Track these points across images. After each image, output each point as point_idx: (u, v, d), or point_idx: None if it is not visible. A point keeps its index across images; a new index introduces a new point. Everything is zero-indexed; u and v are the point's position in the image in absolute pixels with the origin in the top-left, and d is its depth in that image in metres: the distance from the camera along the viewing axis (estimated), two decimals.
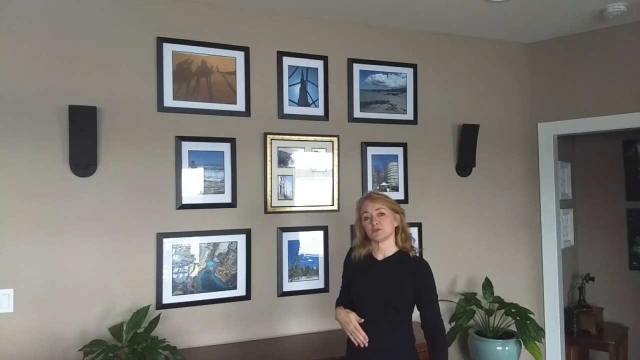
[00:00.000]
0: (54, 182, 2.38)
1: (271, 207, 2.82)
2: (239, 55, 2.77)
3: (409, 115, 3.20)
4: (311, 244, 2.93)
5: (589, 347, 3.91)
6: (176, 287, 2.60)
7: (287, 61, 2.89)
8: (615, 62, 3.18)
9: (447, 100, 3.31)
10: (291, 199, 2.87)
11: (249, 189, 2.78)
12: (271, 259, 2.83)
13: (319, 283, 2.93)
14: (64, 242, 2.39)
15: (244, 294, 2.75)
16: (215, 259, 2.70)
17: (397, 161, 3.16)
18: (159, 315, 2.42)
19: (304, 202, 2.90)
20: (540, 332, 2.94)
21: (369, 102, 3.09)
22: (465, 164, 3.31)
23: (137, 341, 2.25)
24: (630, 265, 4.11)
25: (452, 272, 3.27)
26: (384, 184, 3.13)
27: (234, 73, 2.76)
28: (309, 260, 2.92)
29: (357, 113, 3.06)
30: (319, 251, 2.94)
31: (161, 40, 2.60)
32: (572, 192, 4.33)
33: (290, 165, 2.88)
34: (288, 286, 2.86)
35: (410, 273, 2.03)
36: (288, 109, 2.89)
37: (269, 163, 2.81)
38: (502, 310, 3.06)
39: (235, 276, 2.74)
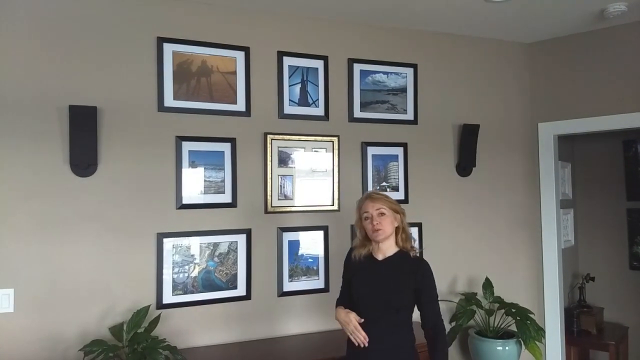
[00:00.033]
0: (54, 182, 2.38)
1: (271, 207, 2.82)
2: (239, 55, 2.77)
3: (409, 115, 3.20)
4: (311, 244, 2.93)
5: (589, 347, 3.91)
6: (176, 287, 2.60)
7: (288, 61, 2.89)
8: (615, 62, 3.18)
9: (447, 100, 3.31)
10: (291, 199, 2.87)
11: (249, 189, 2.78)
12: (271, 259, 2.83)
13: (319, 283, 2.93)
14: (64, 242, 2.39)
15: (244, 293, 2.75)
16: (216, 259, 2.70)
17: (398, 161, 3.16)
18: (159, 315, 2.42)
19: (304, 202, 2.90)
20: (540, 332, 2.94)
21: (369, 102, 3.09)
22: (465, 164, 3.31)
23: (138, 341, 2.25)
24: (630, 265, 4.11)
25: (452, 272, 3.27)
26: (384, 184, 3.13)
27: (234, 73, 2.76)
28: (309, 260, 2.92)
29: (358, 113, 3.06)
30: (319, 251, 2.94)
31: (161, 40, 2.60)
32: (572, 192, 4.33)
33: (290, 165, 2.88)
34: (288, 286, 2.86)
35: (410, 273, 2.03)
36: (288, 109, 2.89)
37: (269, 163, 2.81)
38: (503, 310, 3.05)
39: (235, 276, 2.74)
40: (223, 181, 2.72)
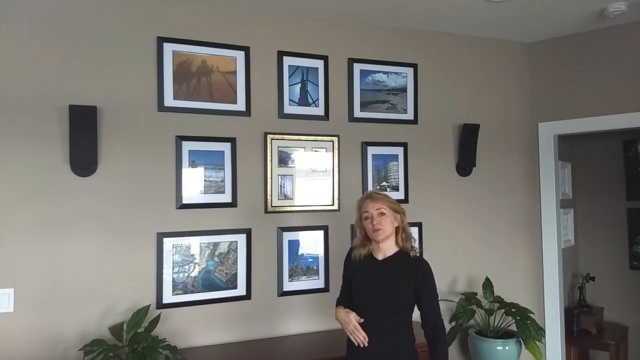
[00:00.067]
0: (54, 182, 2.38)
1: (271, 206, 2.82)
2: (240, 55, 2.77)
3: (410, 115, 3.20)
4: (311, 243, 2.93)
5: (589, 347, 3.91)
6: (176, 287, 2.60)
7: (288, 61, 2.89)
8: (615, 62, 3.18)
9: (447, 100, 3.31)
10: (291, 199, 2.87)
11: (249, 188, 2.78)
12: (271, 258, 2.83)
13: (319, 283, 2.93)
14: (64, 241, 2.39)
15: (244, 293, 2.75)
16: (216, 259, 2.70)
17: (398, 161, 3.16)
18: (159, 315, 2.42)
19: (304, 201, 2.90)
20: (540, 331, 2.94)
21: (369, 101, 3.09)
22: (465, 164, 3.31)
23: (138, 341, 2.25)
24: (630, 265, 4.11)
25: (452, 272, 3.27)
26: (384, 183, 3.13)
27: (235, 73, 2.76)
28: (309, 260, 2.92)
29: (358, 113, 3.06)
30: (319, 251, 2.94)
31: (161, 40, 2.60)
32: (572, 191, 4.33)
33: (290, 165, 2.88)
34: (288, 286, 2.86)
35: (410, 273, 2.03)
36: (288, 109, 2.89)
37: (269, 163, 2.81)
38: (502, 310, 3.05)
39: (235, 276, 2.74)
40: (223, 181, 2.72)
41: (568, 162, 4.25)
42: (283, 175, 2.86)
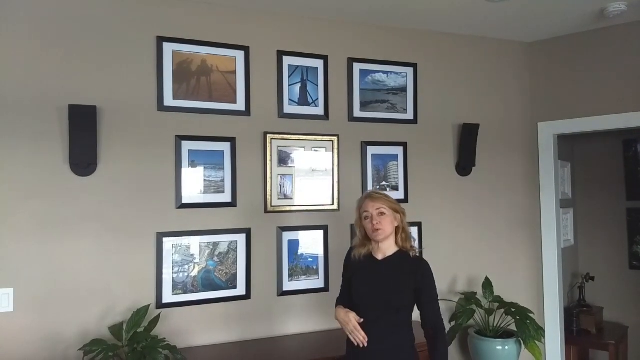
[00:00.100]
0: (54, 182, 2.38)
1: (271, 206, 2.82)
2: (239, 55, 2.77)
3: (409, 115, 3.20)
4: (311, 243, 2.93)
5: (589, 347, 3.91)
6: (176, 287, 2.60)
7: (287, 60, 2.89)
8: (615, 62, 3.18)
9: (447, 100, 3.31)
10: (291, 199, 2.87)
11: (249, 188, 2.78)
12: (271, 258, 2.83)
13: (319, 282, 2.93)
14: (64, 241, 2.39)
15: (244, 293, 2.75)
16: (215, 259, 2.70)
17: (397, 161, 3.16)
18: (159, 315, 2.42)
19: (304, 201, 2.90)
20: (540, 331, 2.94)
21: (369, 101, 3.09)
22: (465, 164, 3.31)
23: (137, 340, 2.25)
24: (630, 265, 4.11)
25: (452, 272, 3.27)
26: (384, 183, 3.13)
27: (234, 72, 2.76)
28: (309, 259, 2.92)
29: (357, 112, 3.06)
30: (319, 251, 2.94)
31: (161, 40, 2.60)
32: (572, 191, 4.33)
33: (290, 165, 2.88)
34: (288, 286, 2.86)
35: (410, 273, 2.03)
36: (288, 109, 2.89)
37: (269, 162, 2.81)
38: (502, 310, 3.06)
39: (235, 275, 2.74)
40: (223, 181, 2.72)
41: (568, 162, 4.25)
42: (283, 175, 2.86)
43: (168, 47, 2.62)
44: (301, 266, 2.90)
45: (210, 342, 2.65)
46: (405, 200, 3.14)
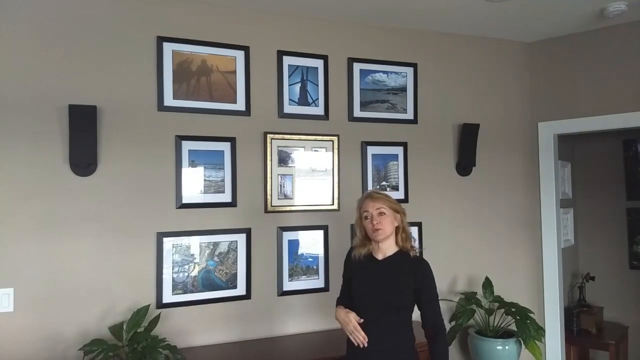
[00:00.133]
0: (54, 182, 2.38)
1: (271, 206, 2.82)
2: (239, 55, 2.77)
3: (409, 115, 3.20)
4: (311, 243, 2.93)
5: (589, 347, 3.91)
6: (176, 287, 2.60)
7: (287, 60, 2.89)
8: (615, 62, 3.18)
9: (447, 100, 3.31)
10: (291, 199, 2.87)
11: (249, 188, 2.78)
12: (271, 258, 2.83)
13: (319, 282, 2.93)
14: (64, 241, 2.39)
15: (244, 293, 2.75)
16: (216, 259, 2.70)
17: (397, 160, 3.16)
18: (159, 315, 2.42)
19: (304, 201, 2.90)
20: (540, 331, 2.94)
21: (369, 101, 3.09)
22: (465, 164, 3.31)
23: (137, 340, 2.25)
24: (630, 265, 4.11)
25: (452, 272, 3.27)
26: (384, 183, 3.13)
27: (234, 72, 2.76)
28: (309, 259, 2.92)
29: (357, 112, 3.06)
30: (319, 250, 2.94)
31: (161, 40, 2.60)
32: (572, 191, 4.33)
33: (290, 165, 2.88)
34: (288, 285, 2.86)
35: (410, 273, 2.03)
36: (288, 108, 2.89)
37: (269, 162, 2.81)
38: (502, 310, 3.05)
39: (235, 275, 2.74)
40: (223, 180, 2.72)
41: (568, 162, 4.25)
42: (283, 174, 2.86)
43: (168, 47, 2.62)
44: (301, 266, 2.90)
45: (210, 342, 2.65)
46: (405, 200, 3.14)
